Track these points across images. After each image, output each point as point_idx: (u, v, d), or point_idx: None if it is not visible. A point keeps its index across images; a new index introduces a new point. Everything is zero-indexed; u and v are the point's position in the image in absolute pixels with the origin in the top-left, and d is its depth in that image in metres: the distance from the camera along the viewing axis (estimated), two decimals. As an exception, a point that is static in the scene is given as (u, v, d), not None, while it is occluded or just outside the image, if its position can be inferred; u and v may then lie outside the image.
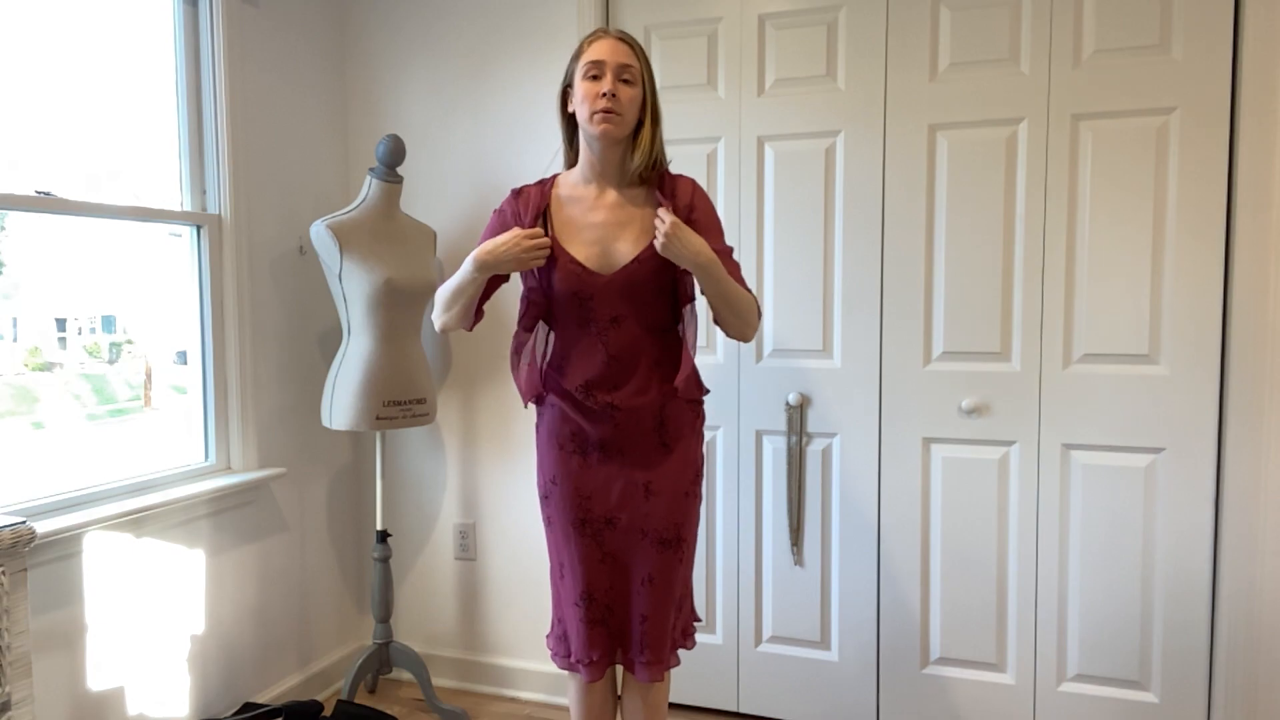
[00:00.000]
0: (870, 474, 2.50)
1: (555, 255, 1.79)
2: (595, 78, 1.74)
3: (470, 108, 2.78)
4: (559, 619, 1.93)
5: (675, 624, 1.90)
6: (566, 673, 1.96)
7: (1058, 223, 2.30)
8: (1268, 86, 2.11)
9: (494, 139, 2.77)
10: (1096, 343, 2.29)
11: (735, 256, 2.52)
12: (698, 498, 1.90)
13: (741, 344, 2.56)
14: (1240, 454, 2.18)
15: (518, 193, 1.88)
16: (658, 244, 1.70)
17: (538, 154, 2.71)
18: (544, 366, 1.91)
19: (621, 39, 1.77)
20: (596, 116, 1.73)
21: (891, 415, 2.46)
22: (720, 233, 1.85)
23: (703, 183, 2.58)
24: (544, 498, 1.91)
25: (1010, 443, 2.38)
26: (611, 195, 1.82)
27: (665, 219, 1.69)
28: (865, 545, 2.52)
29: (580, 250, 1.79)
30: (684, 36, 2.58)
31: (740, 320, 1.82)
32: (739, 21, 2.53)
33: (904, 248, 2.42)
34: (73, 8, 2.17)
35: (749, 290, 1.83)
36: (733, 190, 2.56)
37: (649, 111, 1.78)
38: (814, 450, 2.55)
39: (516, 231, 1.73)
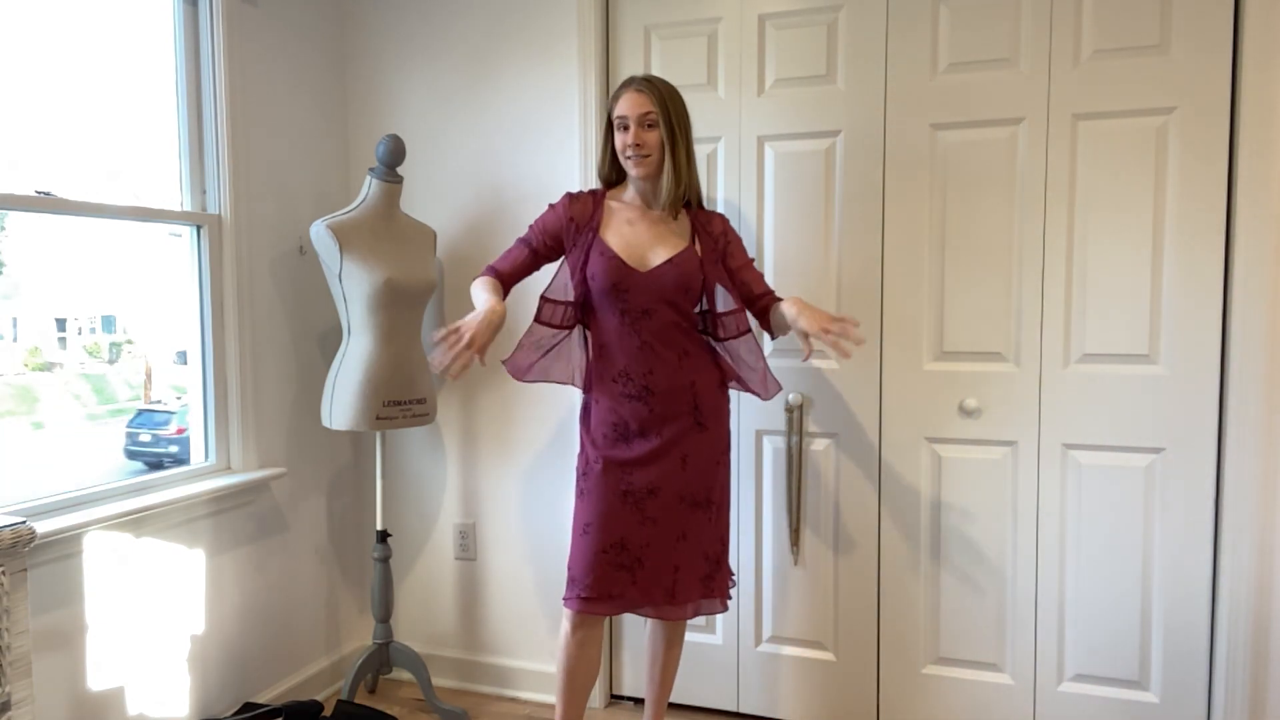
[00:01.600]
0: (870, 474, 2.50)
1: (601, 251, 2.07)
2: (624, 129, 2.06)
3: (470, 108, 2.78)
4: (571, 569, 2.10)
5: (710, 575, 2.13)
6: (564, 626, 2.11)
7: (1058, 222, 2.30)
8: (1268, 86, 2.11)
9: (494, 139, 2.77)
10: (1096, 343, 2.29)
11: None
12: (727, 465, 2.17)
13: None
14: (1240, 454, 2.18)
15: (574, 196, 2.16)
16: (809, 330, 1.97)
17: (537, 153, 2.71)
18: (587, 364, 2.18)
19: (641, 90, 2.05)
20: (629, 162, 2.07)
21: (891, 415, 2.46)
22: (743, 244, 2.21)
23: (702, 183, 2.58)
24: (582, 474, 2.13)
25: (1010, 443, 2.38)
26: (652, 214, 2.12)
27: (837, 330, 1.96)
28: (865, 545, 2.52)
29: (621, 249, 2.07)
30: (684, 36, 2.58)
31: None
32: (739, 21, 2.53)
33: (904, 248, 2.42)
34: (73, 8, 2.17)
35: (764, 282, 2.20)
36: (733, 190, 2.56)
37: (673, 146, 2.06)
38: (814, 450, 2.55)
39: (470, 320, 1.89)
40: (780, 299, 2.13)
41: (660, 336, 2.08)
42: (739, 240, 2.22)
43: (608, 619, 2.75)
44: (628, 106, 2.06)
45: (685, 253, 2.08)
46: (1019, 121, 2.31)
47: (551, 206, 2.15)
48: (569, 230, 2.12)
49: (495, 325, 1.88)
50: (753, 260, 2.21)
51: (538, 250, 2.15)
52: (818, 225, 2.49)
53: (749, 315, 2.21)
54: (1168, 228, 2.22)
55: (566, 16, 2.65)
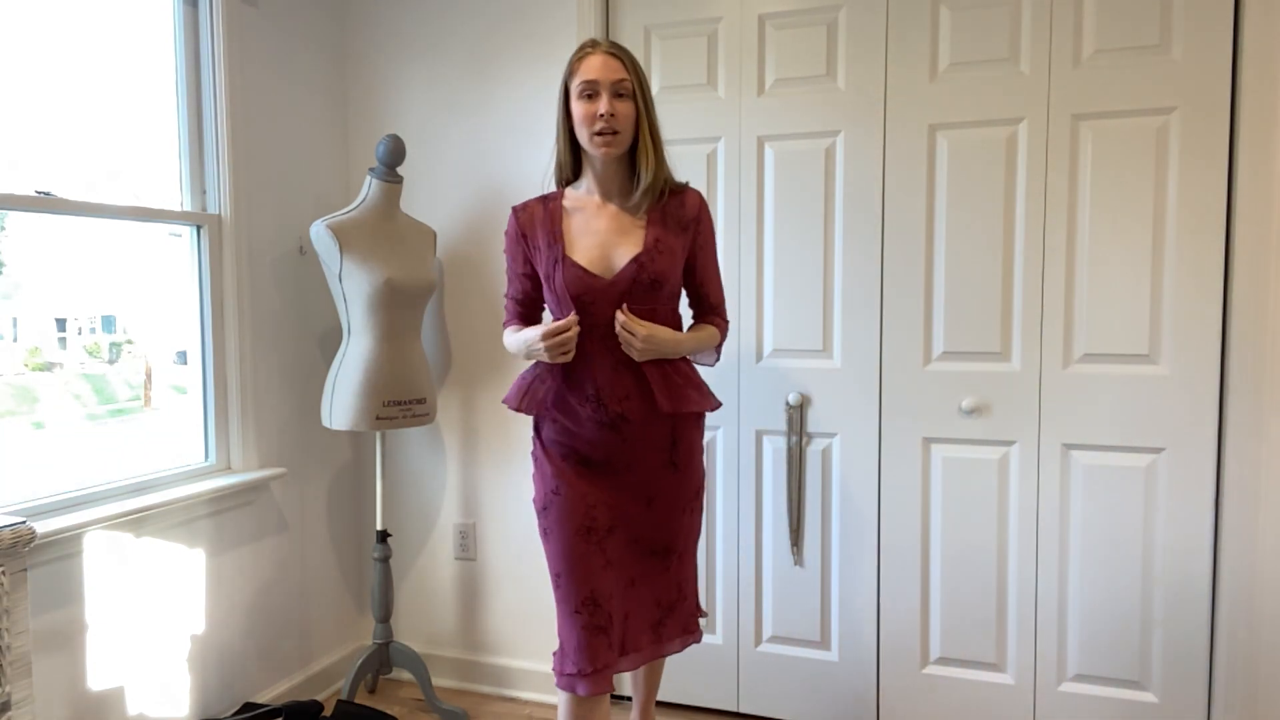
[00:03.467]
0: (870, 474, 2.50)
1: (561, 260, 1.83)
2: (590, 97, 1.78)
3: (470, 108, 2.78)
4: (560, 634, 1.87)
5: (660, 622, 1.95)
6: (561, 702, 1.85)
7: (1058, 222, 2.30)
8: (1268, 86, 2.11)
9: (494, 139, 2.77)
10: (1096, 343, 2.29)
11: (735, 259, 2.55)
12: (699, 511, 1.98)
13: (740, 344, 2.57)
14: (1240, 454, 2.18)
15: (519, 211, 1.94)
16: (634, 356, 1.80)
17: (537, 154, 2.71)
18: (544, 382, 1.91)
19: (612, 53, 1.79)
20: (597, 139, 1.78)
21: (891, 415, 2.46)
22: (714, 249, 1.99)
23: (703, 183, 2.58)
24: (542, 509, 1.88)
25: (1010, 443, 2.38)
26: (613, 205, 1.87)
27: (636, 332, 1.79)
28: (865, 545, 2.52)
29: (583, 255, 1.84)
30: (684, 36, 2.58)
31: (705, 350, 1.99)
32: (739, 21, 2.53)
33: (904, 248, 2.42)
34: (73, 8, 2.17)
35: (722, 296, 2.01)
36: (733, 190, 2.56)
37: (647, 126, 1.82)
38: (814, 450, 2.55)
39: (542, 331, 1.80)
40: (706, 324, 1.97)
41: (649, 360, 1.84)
42: (710, 227, 1.95)
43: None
44: (599, 70, 1.76)
45: (650, 247, 1.83)
46: (1019, 121, 2.31)
47: (507, 235, 1.95)
48: (529, 248, 1.90)
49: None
50: (721, 287, 2.00)
51: (526, 290, 1.96)
52: (818, 225, 2.49)
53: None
54: (1168, 227, 2.22)
55: (566, 17, 2.65)
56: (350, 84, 2.93)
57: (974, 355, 2.39)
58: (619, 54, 1.80)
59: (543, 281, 1.89)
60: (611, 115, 1.76)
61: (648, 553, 1.89)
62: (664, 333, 1.83)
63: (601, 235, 1.84)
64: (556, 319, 1.86)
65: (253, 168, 2.56)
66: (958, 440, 2.42)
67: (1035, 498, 2.36)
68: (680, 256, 1.88)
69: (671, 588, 1.95)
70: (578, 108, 1.79)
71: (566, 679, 1.82)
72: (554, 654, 1.87)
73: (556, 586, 1.87)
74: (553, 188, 1.98)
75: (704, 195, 2.41)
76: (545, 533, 1.89)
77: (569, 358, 1.80)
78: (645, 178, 1.82)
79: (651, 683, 2.22)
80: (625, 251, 1.83)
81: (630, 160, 1.86)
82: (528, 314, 2.01)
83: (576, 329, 1.79)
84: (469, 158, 2.80)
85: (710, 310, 1.99)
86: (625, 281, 1.80)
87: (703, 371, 2.58)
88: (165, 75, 2.41)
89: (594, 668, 1.80)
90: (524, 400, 1.90)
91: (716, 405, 1.97)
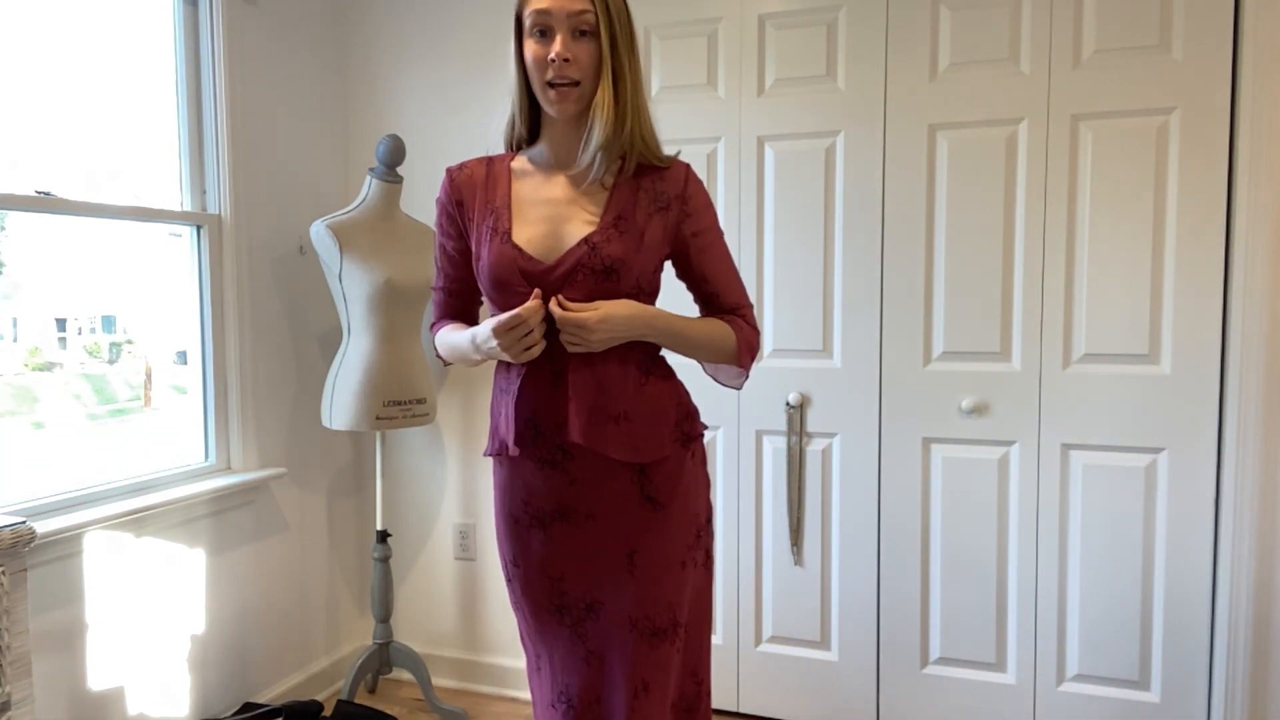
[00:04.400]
0: (870, 474, 2.50)
1: (493, 234, 1.42)
2: (543, 33, 1.36)
3: (470, 107, 2.78)
4: None
5: None
6: None
7: (1058, 223, 2.30)
8: (1268, 86, 2.11)
9: (494, 139, 2.76)
10: (1096, 343, 2.29)
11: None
12: (698, 564, 1.47)
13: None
14: (1240, 454, 2.18)
15: (454, 172, 1.52)
16: (593, 348, 1.35)
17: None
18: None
19: None
20: (550, 92, 1.37)
21: (891, 415, 2.46)
22: (715, 216, 1.52)
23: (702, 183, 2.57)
24: (508, 580, 1.51)
25: (1010, 443, 2.38)
26: (567, 175, 1.44)
27: (584, 320, 1.33)
28: (865, 545, 2.52)
29: (523, 232, 1.41)
30: (684, 36, 2.58)
31: (717, 355, 1.49)
32: (739, 21, 2.52)
33: (904, 248, 2.42)
34: (73, 8, 2.17)
35: (744, 293, 1.54)
36: (733, 190, 2.56)
37: (610, 69, 1.37)
38: (814, 450, 2.55)
39: (493, 325, 1.34)
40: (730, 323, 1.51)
41: (594, 363, 1.38)
42: (705, 205, 1.48)
43: None
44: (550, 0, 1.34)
45: (606, 225, 1.39)
46: (1019, 121, 2.31)
47: (438, 202, 1.54)
48: (463, 219, 1.49)
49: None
50: (739, 282, 1.53)
51: (459, 276, 1.53)
52: (818, 225, 2.49)
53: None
54: (1168, 228, 2.22)
55: (566, 16, 2.65)
56: (350, 84, 2.93)
57: (974, 355, 2.39)
58: None
59: (474, 252, 1.46)
60: (566, 60, 1.34)
61: (649, 634, 1.39)
62: (629, 308, 1.36)
63: (550, 208, 1.42)
64: (491, 303, 1.46)
65: (253, 168, 2.56)
66: (958, 440, 2.42)
67: (1035, 498, 2.36)
68: (652, 243, 1.42)
69: (688, 676, 1.49)
70: (529, 47, 1.37)
71: None
72: None
73: (536, 669, 1.51)
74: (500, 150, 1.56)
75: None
76: (516, 607, 1.51)
77: (536, 353, 1.36)
78: (597, 136, 1.37)
79: None
80: (575, 230, 1.40)
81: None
82: (463, 308, 1.57)
83: (541, 314, 1.34)
84: (469, 157, 2.79)
85: (727, 312, 1.52)
86: (567, 267, 1.37)
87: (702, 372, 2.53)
88: (165, 75, 2.41)
89: None
90: (493, 440, 1.48)
91: (663, 453, 1.42)
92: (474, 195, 1.48)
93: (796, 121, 2.49)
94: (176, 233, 2.46)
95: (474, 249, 1.46)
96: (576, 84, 1.36)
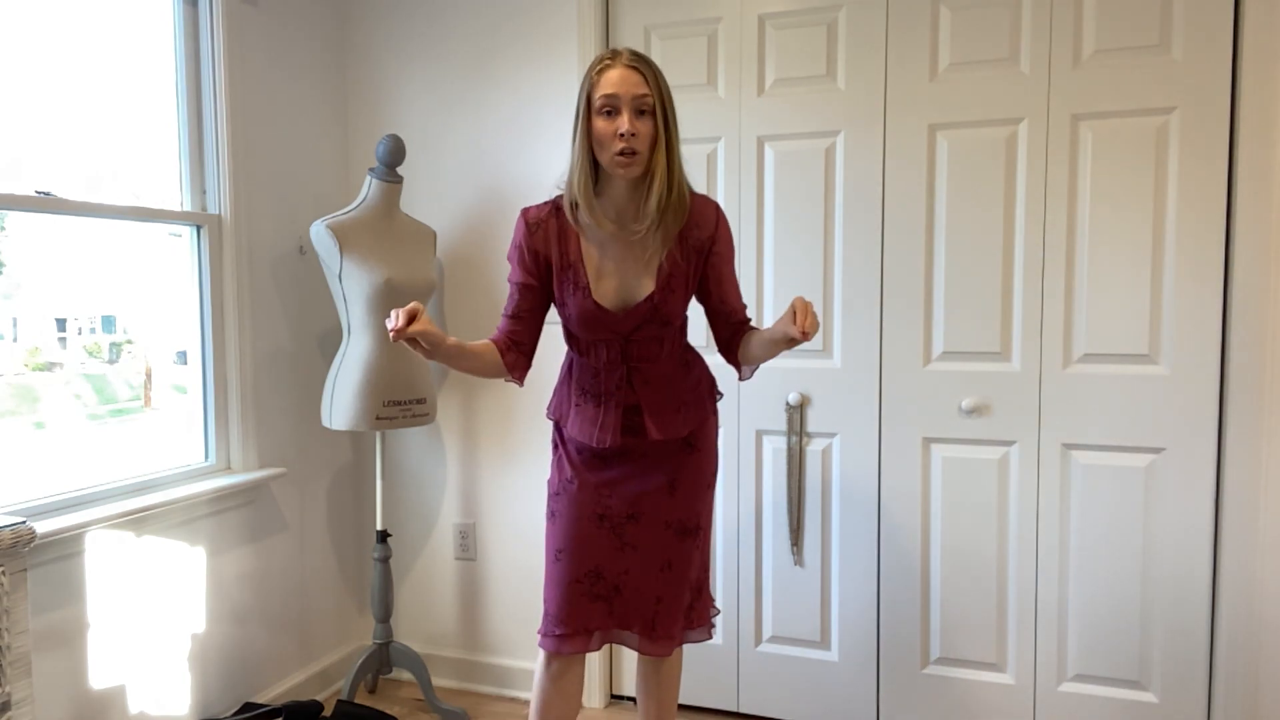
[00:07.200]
0: (870, 474, 2.50)
1: (578, 289, 1.77)
2: (610, 113, 1.67)
3: (470, 107, 2.78)
4: (545, 602, 1.88)
5: (692, 605, 1.94)
6: (540, 661, 1.87)
7: (1058, 223, 2.30)
8: (1268, 86, 2.11)
9: (494, 138, 2.77)
10: (1096, 343, 2.29)
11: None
12: (714, 488, 1.98)
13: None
14: (1240, 454, 2.18)
15: (532, 223, 1.81)
16: (800, 334, 1.60)
17: (538, 153, 2.71)
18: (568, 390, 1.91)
19: (633, 66, 1.68)
20: (618, 159, 1.67)
21: (891, 415, 2.46)
22: (733, 246, 1.92)
23: (703, 183, 2.58)
24: (554, 494, 1.89)
25: (1010, 443, 2.38)
26: (629, 230, 1.77)
27: (803, 322, 1.60)
28: (865, 545, 2.52)
29: (600, 289, 1.78)
30: (684, 36, 2.58)
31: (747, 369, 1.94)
32: (739, 21, 2.53)
33: (904, 248, 2.42)
34: (73, 8, 2.17)
35: (741, 301, 1.93)
36: (733, 190, 2.56)
37: (665, 143, 1.70)
38: (814, 450, 2.55)
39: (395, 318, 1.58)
40: (754, 327, 1.88)
41: (646, 358, 1.83)
42: (728, 240, 1.87)
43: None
44: (619, 84, 1.66)
45: (663, 285, 1.78)
46: (1019, 121, 2.31)
47: (515, 246, 1.84)
48: (540, 263, 1.82)
49: (419, 327, 1.58)
50: (740, 295, 1.91)
51: (527, 304, 1.85)
52: (818, 225, 2.49)
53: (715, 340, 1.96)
54: (1168, 228, 2.22)
55: (567, 17, 2.65)
56: (350, 84, 2.93)
57: (974, 355, 2.39)
58: (641, 67, 1.68)
59: (556, 296, 1.84)
60: (633, 135, 1.65)
61: (680, 533, 1.87)
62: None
63: (619, 265, 1.78)
64: (573, 332, 1.84)
65: (253, 168, 2.57)
66: (958, 440, 2.42)
67: (1035, 498, 2.36)
68: (691, 285, 1.84)
69: (701, 568, 1.96)
70: (598, 124, 1.68)
71: (553, 637, 1.83)
72: (538, 631, 1.89)
73: (555, 561, 1.86)
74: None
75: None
76: (552, 515, 1.89)
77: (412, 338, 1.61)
78: (653, 204, 1.71)
79: (668, 694, 2.06)
80: (640, 289, 1.78)
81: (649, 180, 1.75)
82: (524, 332, 1.87)
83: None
84: (469, 157, 2.80)
85: (737, 324, 1.90)
86: (637, 319, 1.78)
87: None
88: (165, 75, 2.42)
89: (576, 627, 1.83)
90: (552, 407, 1.95)
91: (703, 418, 1.91)
92: (550, 246, 1.81)
93: (796, 121, 2.49)
94: (176, 233, 2.46)
95: (557, 293, 1.83)
96: (637, 153, 1.67)
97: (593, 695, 2.77)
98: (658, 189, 1.71)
